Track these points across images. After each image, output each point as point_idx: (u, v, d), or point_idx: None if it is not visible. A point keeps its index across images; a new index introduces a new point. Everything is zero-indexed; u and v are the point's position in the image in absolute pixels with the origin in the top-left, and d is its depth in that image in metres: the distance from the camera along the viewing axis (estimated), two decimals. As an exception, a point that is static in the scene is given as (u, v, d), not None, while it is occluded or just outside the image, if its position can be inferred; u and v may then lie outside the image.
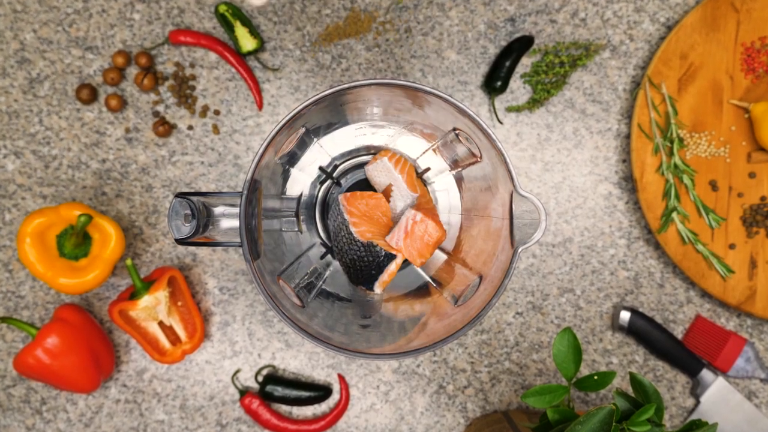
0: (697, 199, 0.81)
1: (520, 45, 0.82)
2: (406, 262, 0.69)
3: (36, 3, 0.82)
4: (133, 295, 0.77)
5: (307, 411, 0.83)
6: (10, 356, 0.82)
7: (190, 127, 0.82)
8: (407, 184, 0.64)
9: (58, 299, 0.82)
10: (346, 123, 0.66)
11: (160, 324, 0.79)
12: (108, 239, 0.75)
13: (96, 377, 0.76)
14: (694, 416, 0.83)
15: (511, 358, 0.84)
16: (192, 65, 0.82)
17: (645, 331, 0.81)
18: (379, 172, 0.64)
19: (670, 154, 0.81)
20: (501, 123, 0.83)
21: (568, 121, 0.83)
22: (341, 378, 0.82)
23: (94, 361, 0.76)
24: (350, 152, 0.68)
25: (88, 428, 0.82)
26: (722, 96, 0.82)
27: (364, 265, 0.61)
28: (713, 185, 0.82)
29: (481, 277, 0.59)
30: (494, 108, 0.82)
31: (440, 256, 0.68)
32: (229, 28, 0.81)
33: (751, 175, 0.82)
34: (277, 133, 0.54)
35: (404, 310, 0.67)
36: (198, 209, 0.53)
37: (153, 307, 0.76)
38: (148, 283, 0.77)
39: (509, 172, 0.53)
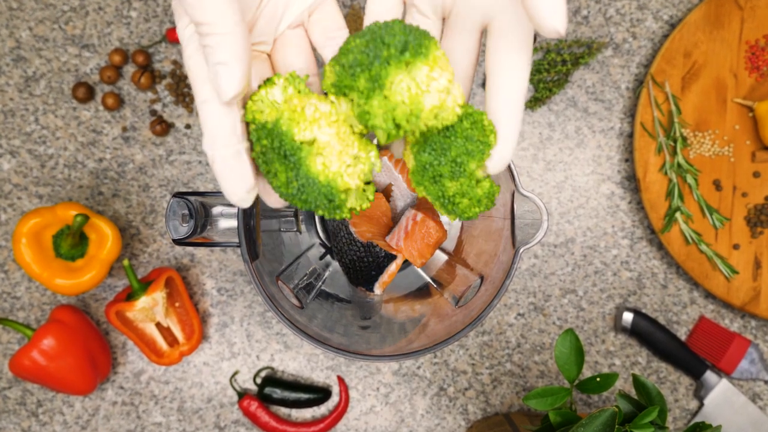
0: (700, 198, 0.80)
1: (522, 43, 0.81)
2: (406, 263, 0.68)
3: (32, 1, 0.81)
4: (130, 296, 0.76)
5: (306, 413, 0.83)
6: (5, 358, 0.81)
7: (188, 126, 0.82)
8: (407, 184, 0.64)
9: (55, 300, 0.81)
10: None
11: (158, 325, 0.79)
12: (105, 239, 0.75)
13: (93, 379, 0.76)
14: (697, 418, 0.82)
15: (513, 360, 0.83)
16: (190, 63, 0.82)
17: (648, 333, 0.80)
18: (379, 171, 0.63)
19: (674, 153, 0.80)
20: (502, 122, 0.82)
21: (571, 120, 0.83)
22: (341, 380, 0.82)
23: (90, 363, 0.75)
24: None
25: (85, 430, 0.82)
26: (726, 94, 0.81)
27: (364, 265, 0.60)
28: (717, 185, 0.81)
29: (482, 278, 0.59)
30: (495, 107, 0.81)
31: (441, 257, 0.68)
32: (228, 26, 0.80)
33: (756, 175, 0.81)
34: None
35: (404, 311, 0.67)
36: (196, 209, 0.53)
37: (150, 308, 0.76)
38: (146, 284, 0.76)
39: (511, 171, 0.53)
